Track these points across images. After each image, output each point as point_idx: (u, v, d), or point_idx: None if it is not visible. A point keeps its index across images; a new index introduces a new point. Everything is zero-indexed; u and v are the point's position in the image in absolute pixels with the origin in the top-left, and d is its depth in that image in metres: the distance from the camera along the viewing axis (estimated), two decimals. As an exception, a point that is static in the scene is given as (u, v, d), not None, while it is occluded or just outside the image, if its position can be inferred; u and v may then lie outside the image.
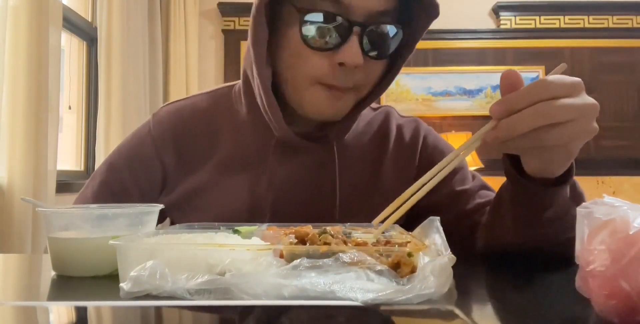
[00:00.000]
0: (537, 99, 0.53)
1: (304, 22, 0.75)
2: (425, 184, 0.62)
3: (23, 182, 1.70)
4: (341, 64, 0.76)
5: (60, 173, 2.11)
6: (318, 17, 0.74)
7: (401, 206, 0.63)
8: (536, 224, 0.70)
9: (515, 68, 3.70)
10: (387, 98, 3.88)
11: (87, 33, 2.66)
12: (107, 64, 2.51)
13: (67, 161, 2.58)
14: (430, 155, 0.94)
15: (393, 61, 0.84)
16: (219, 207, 0.86)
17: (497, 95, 3.96)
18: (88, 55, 2.72)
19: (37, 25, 1.78)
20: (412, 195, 0.63)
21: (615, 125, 3.97)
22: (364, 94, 0.83)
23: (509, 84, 0.57)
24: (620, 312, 0.39)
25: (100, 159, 2.45)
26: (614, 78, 4.00)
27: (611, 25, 4.03)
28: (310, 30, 0.75)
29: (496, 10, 4.03)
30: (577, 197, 0.70)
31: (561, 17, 4.05)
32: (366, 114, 0.96)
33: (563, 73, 0.57)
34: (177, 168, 0.89)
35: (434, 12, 0.80)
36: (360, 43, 0.75)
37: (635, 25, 4.03)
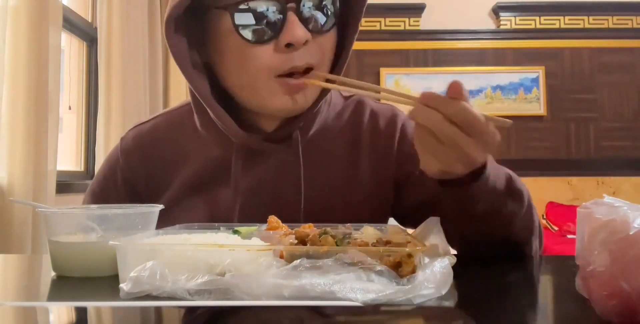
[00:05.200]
0: (457, 117, 0.56)
1: (235, 17, 0.69)
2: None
3: (23, 182, 1.70)
4: (288, 46, 0.70)
5: (60, 173, 2.11)
6: (250, 5, 0.69)
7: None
8: (467, 220, 0.68)
9: (515, 68, 3.65)
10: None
11: (87, 33, 2.65)
12: (107, 64, 2.50)
13: (67, 161, 2.57)
14: (409, 146, 0.82)
15: (344, 35, 0.78)
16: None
17: (498, 95, 3.96)
18: (88, 55, 2.72)
19: (37, 25, 1.77)
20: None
21: (615, 125, 3.97)
22: (325, 72, 0.76)
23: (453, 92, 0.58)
24: (620, 312, 0.39)
25: (100, 159, 2.45)
26: (614, 78, 4.00)
27: (611, 26, 4.03)
28: (245, 24, 0.69)
29: (496, 11, 4.03)
30: (515, 194, 0.69)
31: (561, 18, 4.04)
32: (336, 103, 0.88)
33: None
34: (148, 188, 0.87)
35: None
36: (300, 18, 0.70)
37: (635, 25, 4.02)
